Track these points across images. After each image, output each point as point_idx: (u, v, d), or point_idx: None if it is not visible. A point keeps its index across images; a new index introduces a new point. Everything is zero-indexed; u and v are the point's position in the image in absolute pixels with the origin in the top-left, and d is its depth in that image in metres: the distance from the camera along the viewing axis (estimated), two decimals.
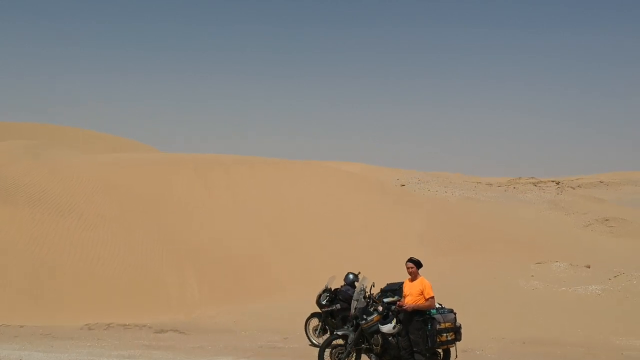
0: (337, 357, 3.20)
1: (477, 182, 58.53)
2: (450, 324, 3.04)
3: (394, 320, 3.12)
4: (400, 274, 4.94)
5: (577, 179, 65.94)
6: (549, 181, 40.05)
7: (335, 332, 3.32)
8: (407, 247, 5.41)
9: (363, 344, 3.20)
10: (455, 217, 6.74)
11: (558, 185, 33.59)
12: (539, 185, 31.21)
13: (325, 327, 3.85)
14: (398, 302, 3.13)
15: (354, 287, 3.66)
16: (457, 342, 3.05)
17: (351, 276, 3.83)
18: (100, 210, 5.04)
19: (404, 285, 3.20)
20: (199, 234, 5.01)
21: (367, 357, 3.07)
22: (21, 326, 3.81)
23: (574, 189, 21.34)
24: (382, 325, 3.12)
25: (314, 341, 3.86)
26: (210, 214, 5.28)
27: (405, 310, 3.02)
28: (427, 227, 5.96)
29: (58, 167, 5.86)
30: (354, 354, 3.20)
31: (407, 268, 3.09)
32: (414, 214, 6.26)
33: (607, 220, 7.78)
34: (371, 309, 3.20)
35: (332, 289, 3.86)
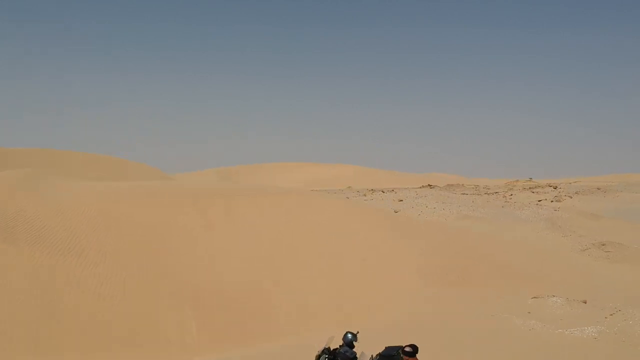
0: None
1: (475, 186, 58.42)
2: None
3: None
4: (398, 313, 4.99)
5: (575, 182, 66.13)
6: (546, 185, 40.17)
7: None
8: (406, 283, 5.45)
9: None
10: (453, 244, 6.78)
11: (555, 190, 33.71)
12: (537, 190, 31.31)
13: None
14: None
15: (352, 346, 3.70)
16: None
17: (349, 336, 3.86)
18: (101, 246, 5.06)
19: None
20: (198, 272, 5.03)
21: None
22: None
23: (571, 197, 21.42)
24: None
25: None
26: (210, 251, 5.30)
27: None
28: (424, 259, 6.01)
29: (58, 200, 5.87)
30: None
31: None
32: (412, 244, 6.30)
33: (603, 245, 7.84)
34: None
35: (331, 349, 3.89)
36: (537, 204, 19.59)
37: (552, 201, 20.86)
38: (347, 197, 14.66)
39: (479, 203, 12.12)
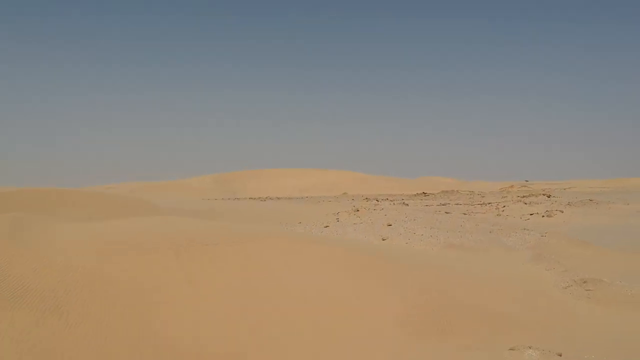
0: None
1: (470, 192, 58.57)
2: None
3: None
4: None
5: (569, 188, 66.43)
6: (540, 194, 40.35)
7: None
8: (387, 337, 5.53)
9: None
10: (435, 286, 6.87)
11: (549, 200, 33.87)
12: (530, 201, 31.43)
13: None
14: None
15: None
16: None
17: None
18: (83, 307, 5.11)
19: None
20: (181, 336, 5.08)
21: None
22: None
23: (562, 212, 21.52)
24: None
25: None
26: (193, 311, 5.35)
27: None
28: (404, 306, 6.09)
29: (41, 253, 5.93)
30: None
31: None
32: (394, 289, 6.38)
33: (584, 282, 7.93)
34: None
35: None
36: (527, 219, 19.68)
37: (543, 216, 20.97)
38: (337, 218, 14.76)
39: (467, 228, 12.23)
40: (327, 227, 12.60)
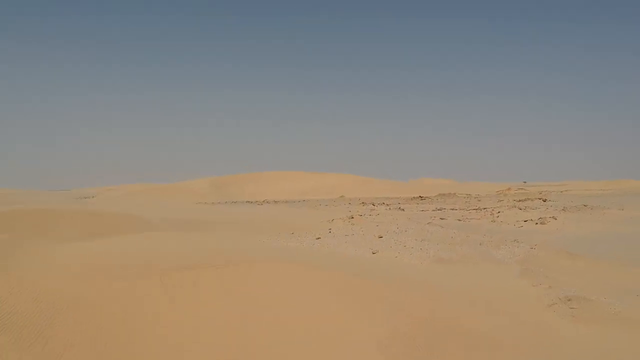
0: None
1: (467, 195, 59.06)
2: None
3: None
4: None
5: (565, 191, 66.83)
6: (536, 198, 40.47)
7: None
8: None
9: None
10: (420, 305, 6.92)
11: (544, 204, 34.01)
12: (525, 206, 31.50)
13: None
14: None
15: None
16: None
17: None
18: (66, 335, 5.17)
19: None
20: None
21: None
22: None
23: (556, 218, 21.62)
24: None
25: None
26: (177, 338, 5.41)
27: None
28: (388, 330, 6.14)
29: (25, 280, 5.98)
30: None
31: None
32: (379, 313, 6.44)
33: (569, 300, 8.00)
34: None
35: None
36: (521, 227, 19.76)
37: (536, 223, 21.12)
38: (330, 229, 14.82)
39: (458, 240, 12.30)
40: (318, 238, 12.67)
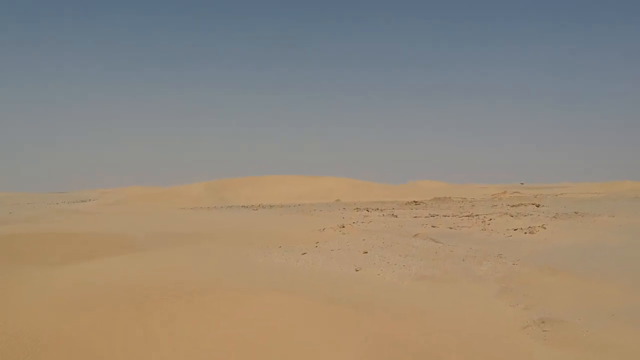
0: None
1: (462, 199, 59.06)
2: None
3: None
4: None
5: (561, 194, 67.09)
6: (530, 203, 40.67)
7: None
8: None
9: None
10: (394, 331, 7.05)
11: (538, 209, 34.20)
12: (517, 212, 31.68)
13: None
14: None
15: None
16: None
17: None
18: None
19: None
20: None
21: None
22: None
23: (545, 228, 21.79)
24: None
25: None
26: None
27: None
28: (356, 358, 6.28)
29: (1, 314, 6.09)
30: None
31: None
32: (350, 342, 6.56)
33: (543, 322, 8.14)
34: None
35: None
36: (510, 236, 19.93)
37: (525, 232, 21.28)
38: (316, 243, 14.98)
39: (442, 255, 12.46)
40: (304, 254, 12.82)
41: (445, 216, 31.29)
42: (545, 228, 21.26)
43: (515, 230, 22.20)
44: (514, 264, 11.87)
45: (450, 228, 25.07)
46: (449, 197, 56.41)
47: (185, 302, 6.25)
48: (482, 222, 26.73)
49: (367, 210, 38.30)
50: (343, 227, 21.92)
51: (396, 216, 32.29)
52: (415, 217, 32.11)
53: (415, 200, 44.31)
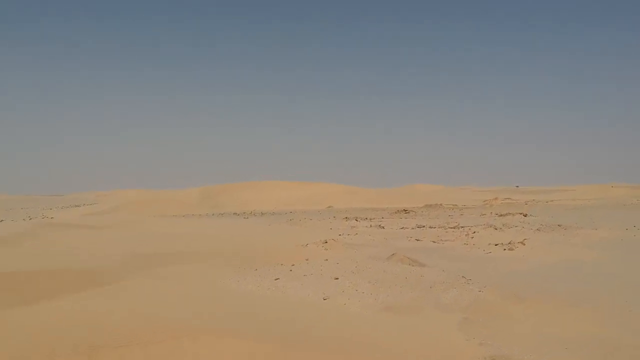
0: None
1: (454, 206, 59.30)
2: None
3: None
4: None
5: (551, 201, 67.39)
6: (517, 213, 40.90)
7: None
8: None
9: None
10: None
11: (525, 219, 34.45)
12: (503, 225, 31.91)
13: None
14: None
15: None
16: None
17: None
18: None
19: None
20: None
21: None
22: None
23: (524, 244, 22.03)
24: None
25: None
26: None
27: None
28: None
29: None
30: None
31: None
32: None
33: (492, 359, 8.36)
34: None
35: None
36: (489, 253, 20.15)
37: (504, 249, 21.57)
38: (291, 267, 15.22)
39: (411, 281, 12.67)
40: (277, 279, 13.03)
41: (431, 227, 31.52)
42: (524, 244, 21.49)
43: (496, 245, 22.44)
44: (480, 291, 12.07)
45: (434, 242, 25.30)
46: (440, 204, 56.71)
47: (134, 353, 6.43)
48: (465, 235, 26.97)
49: (356, 220, 38.51)
50: (326, 242, 22.14)
51: (383, 227, 32.51)
52: (402, 228, 32.34)
53: (405, 209, 44.55)
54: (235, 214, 53.01)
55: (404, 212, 45.07)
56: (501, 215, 38.67)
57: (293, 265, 15.62)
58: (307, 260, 17.10)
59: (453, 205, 58.09)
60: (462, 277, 14.08)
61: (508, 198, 69.01)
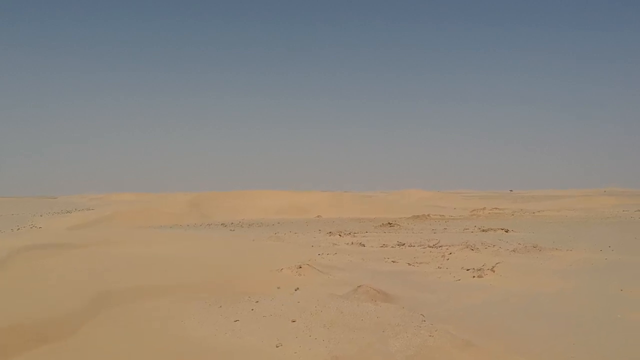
0: None
1: (441, 216, 59.56)
2: None
3: None
4: None
5: (539, 212, 67.74)
6: (498, 229, 41.26)
7: None
8: None
9: None
10: None
11: (506, 235, 34.80)
12: (483, 241, 32.29)
13: None
14: None
15: None
16: None
17: None
18: None
19: None
20: None
21: None
22: None
23: (494, 271, 22.35)
24: None
25: None
26: None
27: None
28: None
29: None
30: None
31: None
32: None
33: None
34: None
35: None
36: (459, 280, 20.43)
37: (473, 276, 21.87)
38: (257, 301, 15.50)
39: (366, 324, 12.94)
40: (237, 321, 13.29)
41: (410, 246, 31.86)
42: (494, 271, 21.79)
43: (467, 270, 22.75)
44: (430, 335, 12.33)
45: (409, 264, 25.62)
46: (428, 215, 57.06)
47: None
48: (442, 256, 27.30)
49: (340, 235, 38.82)
50: (300, 267, 22.40)
51: (364, 245, 32.83)
52: (382, 245, 32.66)
53: (390, 222, 44.89)
54: (223, 224, 53.23)
55: (389, 225, 45.39)
56: (483, 230, 39.10)
57: (257, 301, 15.88)
58: (278, 288, 17.40)
59: (440, 216, 58.49)
60: (421, 314, 14.35)
61: (495, 208, 69.48)
